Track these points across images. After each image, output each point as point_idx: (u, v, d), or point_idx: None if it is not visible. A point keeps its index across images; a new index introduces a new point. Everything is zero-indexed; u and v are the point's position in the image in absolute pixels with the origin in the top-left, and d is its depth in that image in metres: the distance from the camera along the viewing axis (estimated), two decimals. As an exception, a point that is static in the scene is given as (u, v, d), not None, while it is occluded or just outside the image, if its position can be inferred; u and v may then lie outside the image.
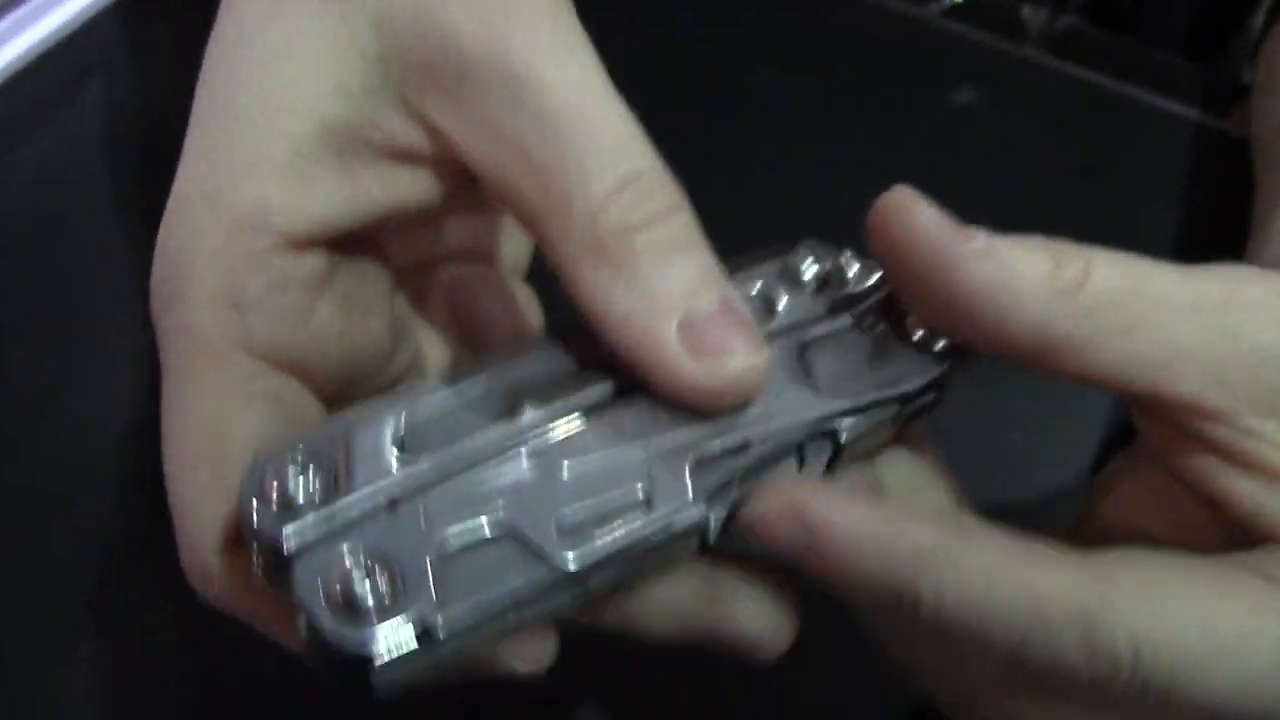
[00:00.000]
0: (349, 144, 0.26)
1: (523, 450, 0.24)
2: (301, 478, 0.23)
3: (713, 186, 0.43)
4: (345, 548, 0.22)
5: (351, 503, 0.23)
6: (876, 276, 0.27)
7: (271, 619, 0.25)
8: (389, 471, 0.23)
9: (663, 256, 0.24)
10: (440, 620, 0.22)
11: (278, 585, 0.23)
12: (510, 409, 0.24)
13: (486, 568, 0.23)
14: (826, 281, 0.27)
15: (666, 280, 0.24)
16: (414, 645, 0.22)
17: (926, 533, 0.24)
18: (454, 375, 0.25)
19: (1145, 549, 0.26)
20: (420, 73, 0.26)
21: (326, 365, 0.27)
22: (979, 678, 0.27)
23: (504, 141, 0.25)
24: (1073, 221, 0.44)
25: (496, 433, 0.24)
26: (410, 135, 0.26)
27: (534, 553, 0.23)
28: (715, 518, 0.24)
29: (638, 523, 0.24)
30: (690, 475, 0.24)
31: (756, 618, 0.26)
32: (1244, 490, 0.26)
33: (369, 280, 0.28)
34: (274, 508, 0.23)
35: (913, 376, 0.26)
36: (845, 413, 0.26)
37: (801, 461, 0.26)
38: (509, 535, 0.23)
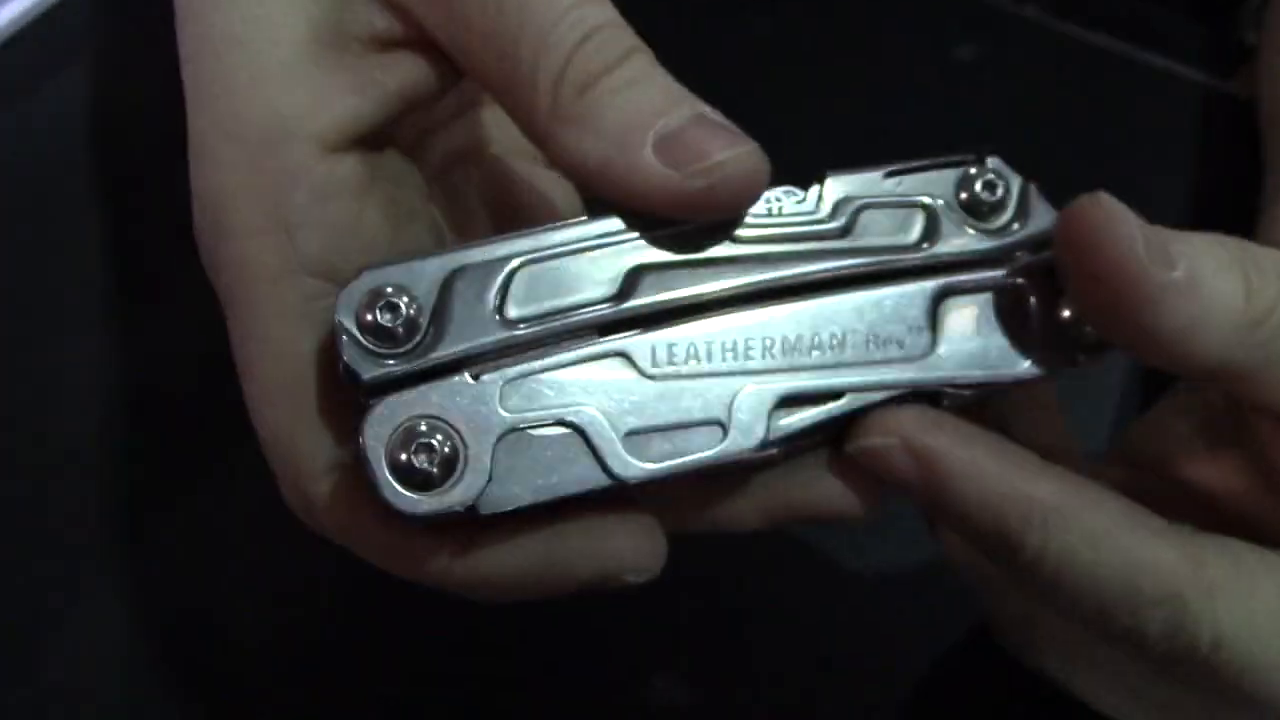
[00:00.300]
0: (339, 39, 0.26)
1: (618, 342, 0.24)
2: (398, 310, 0.23)
3: None
4: (419, 407, 0.23)
5: (437, 362, 0.23)
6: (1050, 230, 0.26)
7: (376, 546, 0.25)
8: (481, 329, 0.24)
9: (624, 94, 0.24)
10: (483, 503, 0.23)
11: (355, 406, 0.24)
12: (626, 284, 0.24)
13: (547, 458, 0.24)
14: (999, 209, 0.26)
15: (630, 112, 0.24)
16: (459, 513, 0.23)
17: (1045, 488, 0.24)
18: (578, 225, 0.25)
19: (1243, 543, 0.26)
20: None
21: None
22: (1053, 623, 0.28)
23: (468, 20, 0.25)
24: (1073, 181, 0.44)
25: (602, 314, 0.24)
26: (387, 23, 0.26)
27: (596, 456, 0.24)
28: (783, 452, 0.25)
29: (704, 451, 0.24)
30: (770, 414, 0.24)
31: (838, 494, 0.26)
32: None
33: (408, 184, 0.28)
34: (363, 336, 0.23)
35: (1043, 362, 0.26)
36: (956, 385, 0.26)
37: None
38: (578, 432, 0.24)
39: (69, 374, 0.39)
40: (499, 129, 0.32)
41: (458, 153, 0.31)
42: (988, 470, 0.24)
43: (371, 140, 0.27)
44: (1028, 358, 0.26)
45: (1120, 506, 0.24)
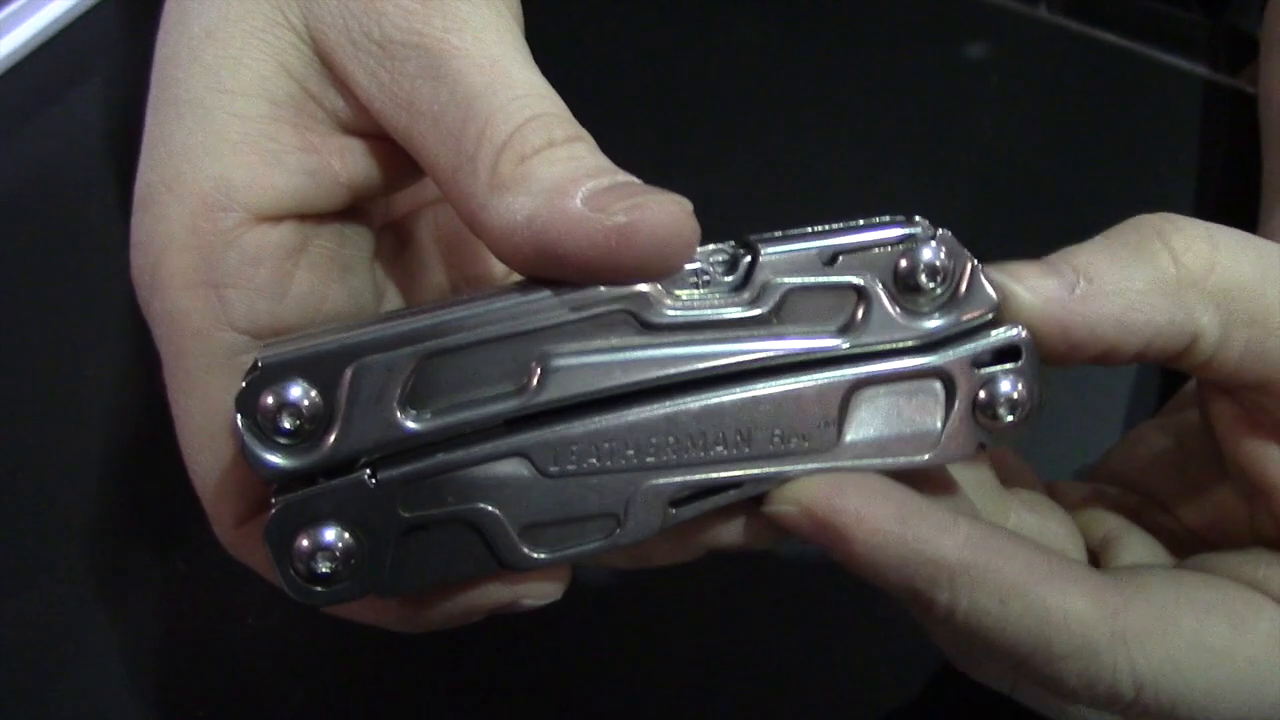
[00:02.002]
0: (301, 119, 0.27)
1: (519, 442, 0.24)
2: (295, 404, 0.23)
3: (726, 139, 0.42)
4: (318, 509, 0.24)
5: (338, 457, 0.24)
6: (995, 332, 0.25)
7: None
8: (384, 425, 0.24)
9: (561, 161, 0.24)
10: (384, 591, 0.24)
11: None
12: (534, 373, 0.24)
13: (444, 552, 0.24)
14: (937, 291, 0.25)
15: (563, 172, 0.24)
16: (361, 597, 0.24)
17: (950, 547, 0.24)
18: (482, 306, 0.24)
19: (1164, 572, 0.26)
20: (345, 49, 0.26)
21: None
22: (990, 667, 0.28)
23: (420, 110, 0.25)
24: (1085, 176, 0.44)
25: (506, 408, 0.24)
26: (348, 111, 0.27)
27: (491, 550, 0.25)
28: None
29: (595, 544, 0.25)
30: (665, 509, 0.25)
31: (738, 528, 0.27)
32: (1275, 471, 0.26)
33: (348, 241, 0.28)
34: (262, 429, 0.23)
35: (946, 452, 0.26)
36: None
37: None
38: (475, 529, 0.24)
39: (79, 391, 0.39)
40: None
41: (420, 201, 0.32)
42: (891, 534, 0.24)
43: (314, 216, 0.27)
44: (931, 447, 0.26)
45: (1030, 557, 0.25)
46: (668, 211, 0.23)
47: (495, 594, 0.26)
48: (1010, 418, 0.25)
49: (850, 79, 0.47)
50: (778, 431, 0.25)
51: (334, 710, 0.35)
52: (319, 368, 0.23)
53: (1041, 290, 0.25)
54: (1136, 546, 0.29)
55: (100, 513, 0.37)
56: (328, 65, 0.26)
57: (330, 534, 0.24)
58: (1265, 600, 0.26)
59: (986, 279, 0.25)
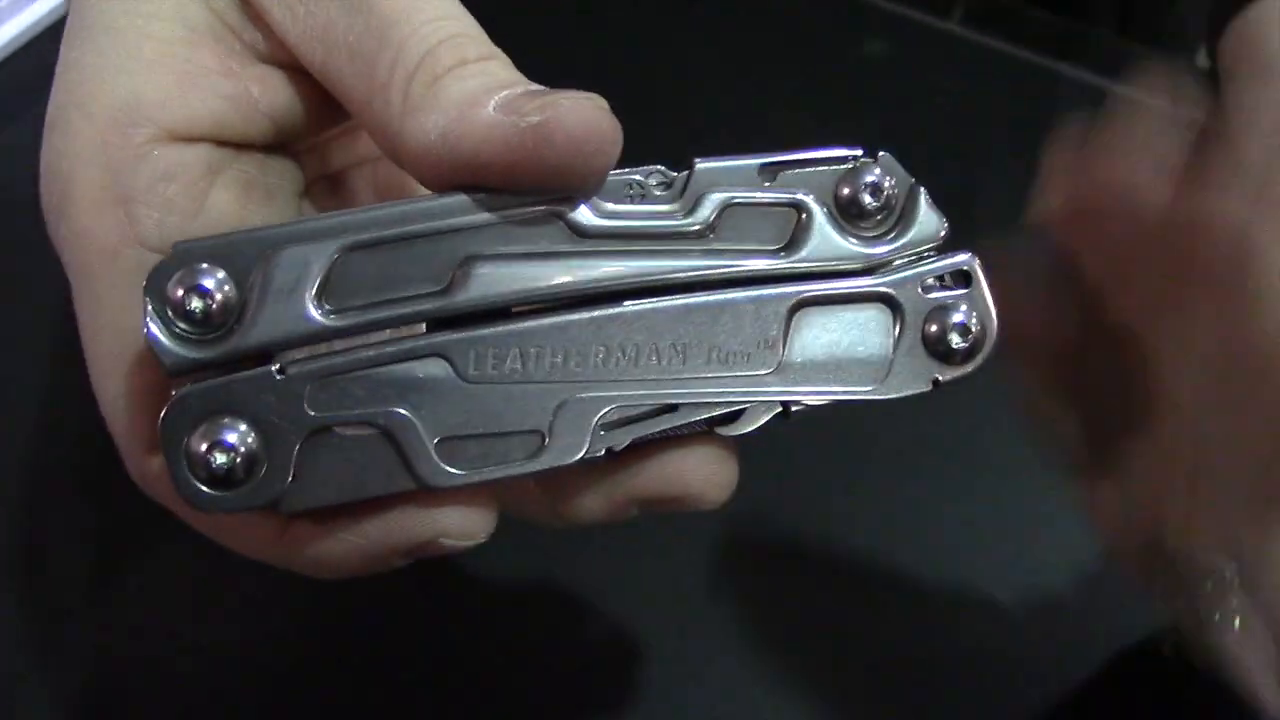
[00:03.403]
0: (219, 46, 0.26)
1: (437, 340, 0.23)
2: (206, 293, 0.22)
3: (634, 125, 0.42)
4: (220, 401, 0.22)
5: (245, 349, 0.22)
6: (938, 260, 0.24)
7: (200, 522, 0.25)
8: (296, 318, 0.22)
9: (472, 77, 0.23)
10: (285, 503, 0.22)
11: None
12: (458, 275, 0.23)
13: (354, 460, 0.23)
14: (880, 213, 0.24)
15: (473, 84, 0.23)
16: (260, 508, 0.22)
17: None
18: (414, 203, 0.23)
19: None
20: None
21: None
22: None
23: (335, 42, 0.25)
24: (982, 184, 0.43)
25: (426, 308, 0.23)
26: (264, 43, 0.26)
27: (405, 461, 0.23)
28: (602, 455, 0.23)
29: (518, 462, 0.23)
30: (593, 429, 0.23)
31: (694, 472, 0.25)
32: None
33: (271, 170, 0.27)
34: (171, 317, 0.22)
35: (897, 384, 0.24)
36: (798, 403, 0.24)
37: (734, 417, 0.24)
38: (387, 435, 0.23)
39: (47, 400, 0.39)
40: None
41: (357, 158, 0.31)
42: None
43: (233, 143, 0.26)
44: (881, 377, 0.24)
45: None
46: (582, 108, 0.22)
47: (410, 524, 0.24)
48: (963, 347, 0.24)
49: (752, 81, 0.47)
50: (715, 350, 0.24)
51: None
52: (233, 255, 0.22)
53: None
54: None
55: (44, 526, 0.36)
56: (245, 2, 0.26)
57: (230, 431, 0.22)
58: None
59: (929, 203, 0.24)
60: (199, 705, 0.34)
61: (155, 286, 0.22)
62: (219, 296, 0.22)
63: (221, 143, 0.26)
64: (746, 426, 0.24)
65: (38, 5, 0.47)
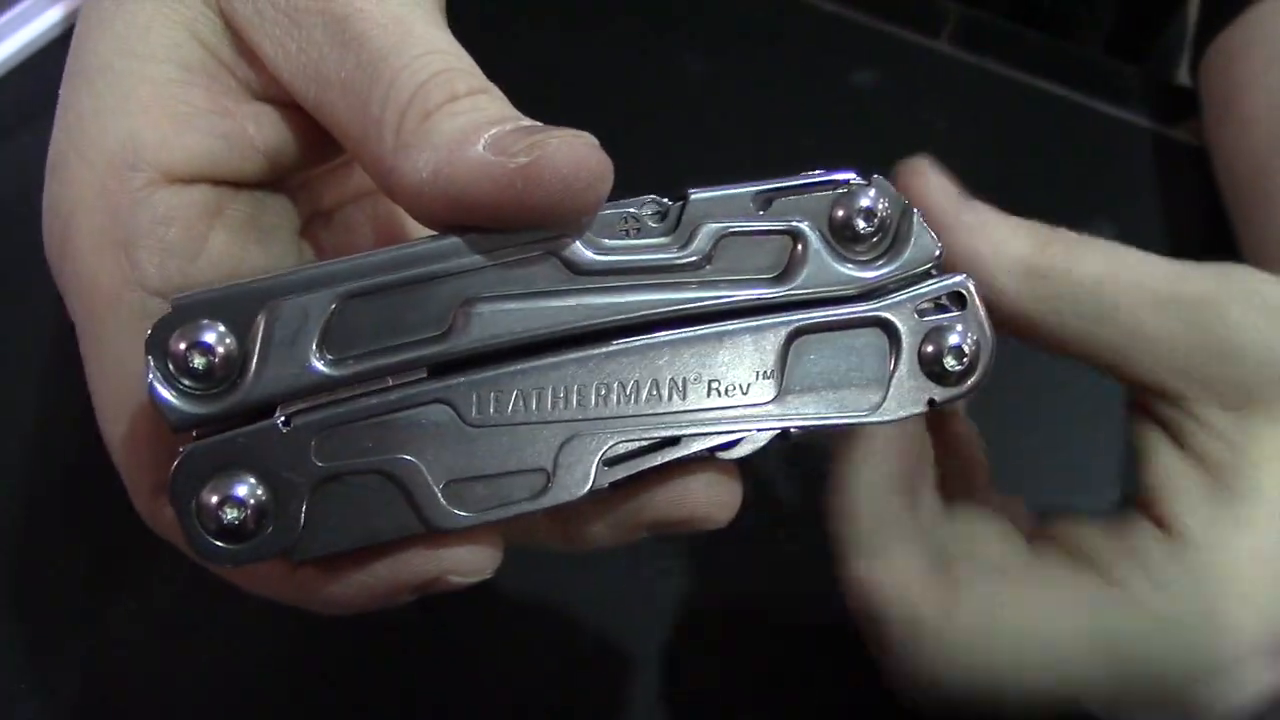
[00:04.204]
0: (214, 85, 0.26)
1: (440, 386, 0.23)
2: (209, 347, 0.22)
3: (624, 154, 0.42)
4: (228, 456, 0.22)
5: (251, 403, 0.22)
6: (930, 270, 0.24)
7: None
8: (300, 369, 0.22)
9: (463, 114, 0.23)
10: (296, 551, 0.23)
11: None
12: (457, 319, 0.23)
13: (363, 507, 0.23)
14: (875, 237, 0.24)
15: (463, 120, 0.23)
16: (273, 558, 0.23)
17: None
18: (411, 248, 0.23)
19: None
20: (251, 19, 0.26)
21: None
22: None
23: (328, 78, 0.25)
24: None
25: (428, 354, 0.23)
26: (258, 79, 0.26)
27: (413, 506, 0.23)
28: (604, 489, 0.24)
29: (525, 501, 0.23)
30: (597, 466, 0.23)
31: (700, 494, 0.25)
32: (1164, 464, 0.27)
33: (268, 209, 0.27)
34: (174, 373, 0.22)
35: (894, 406, 0.24)
36: (799, 426, 0.24)
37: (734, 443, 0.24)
38: (395, 481, 0.23)
39: (39, 421, 0.38)
40: None
41: (354, 193, 0.31)
42: None
43: (230, 183, 0.26)
44: (878, 401, 0.24)
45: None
46: (571, 146, 0.22)
47: (418, 563, 0.24)
48: (958, 368, 0.24)
49: (743, 101, 0.47)
50: (715, 383, 0.24)
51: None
52: (233, 309, 0.22)
53: (946, 194, 0.28)
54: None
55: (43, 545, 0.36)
56: (236, 35, 0.26)
57: (239, 485, 0.22)
58: (1084, 573, 0.27)
59: (923, 225, 0.24)
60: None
61: (157, 343, 0.22)
62: (221, 351, 0.22)
63: (219, 182, 0.26)
64: (746, 450, 0.24)
65: (39, 22, 0.47)
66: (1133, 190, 0.45)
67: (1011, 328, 0.27)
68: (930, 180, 0.28)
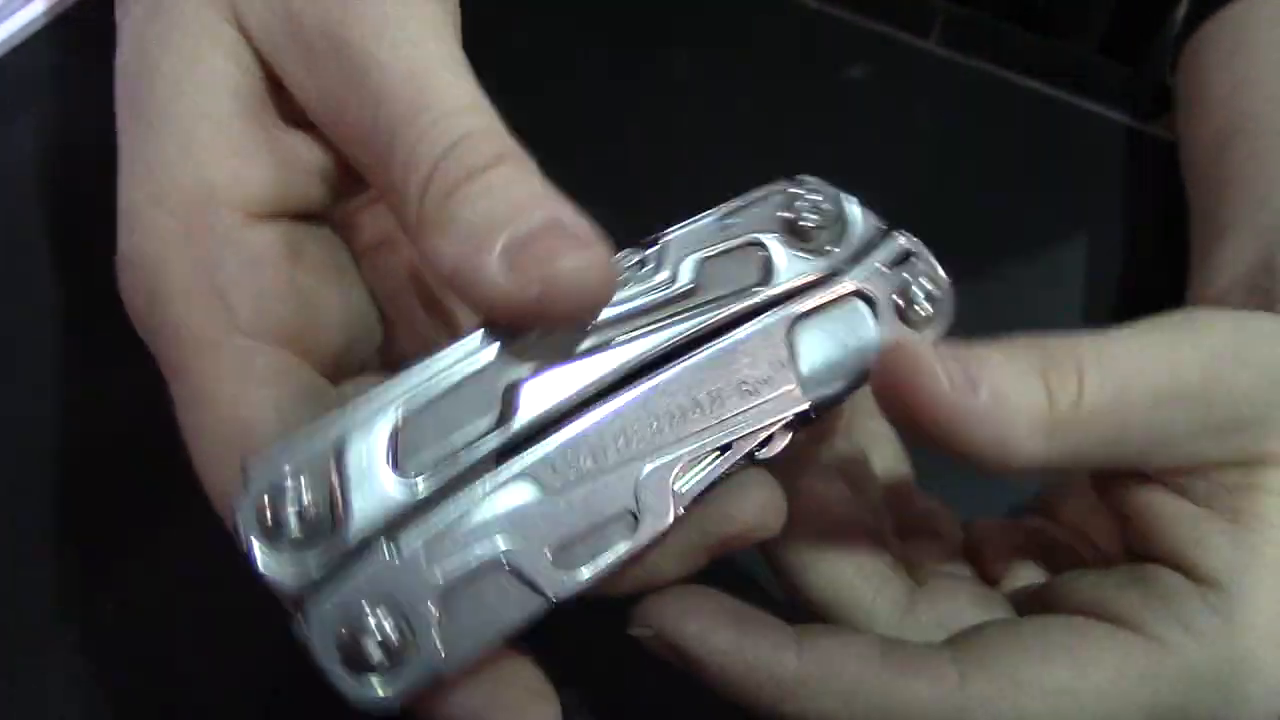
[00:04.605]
0: (264, 111, 0.27)
1: (516, 468, 0.24)
2: (297, 503, 0.23)
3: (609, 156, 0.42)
4: (352, 599, 0.23)
5: (352, 543, 0.23)
6: (882, 244, 0.28)
7: None
8: (386, 497, 0.24)
9: (483, 198, 0.24)
10: (446, 666, 0.23)
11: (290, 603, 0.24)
12: (505, 403, 0.25)
13: (486, 601, 0.24)
14: (824, 227, 0.28)
15: (484, 215, 0.24)
16: (423, 688, 0.23)
17: (790, 664, 0.25)
18: (438, 359, 0.25)
19: (1003, 625, 0.27)
20: (273, 47, 0.26)
21: (316, 336, 0.27)
22: None
23: (349, 120, 0.25)
24: (969, 203, 0.43)
25: (492, 444, 0.24)
26: (290, 106, 0.27)
27: (530, 584, 0.24)
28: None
29: (624, 543, 0.25)
30: (671, 489, 0.25)
31: (748, 503, 0.26)
32: (1185, 519, 0.27)
33: (338, 250, 0.28)
34: (270, 542, 0.23)
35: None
36: (823, 402, 0.27)
37: (767, 440, 0.26)
38: (506, 567, 0.24)
39: (31, 414, 0.37)
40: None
41: (384, 234, 0.31)
42: (735, 655, 0.25)
43: (300, 214, 0.27)
44: (877, 350, 0.27)
45: (866, 654, 0.26)
46: (581, 273, 0.23)
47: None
48: (931, 308, 0.27)
49: (737, 101, 0.46)
50: (743, 384, 0.26)
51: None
52: (307, 456, 0.23)
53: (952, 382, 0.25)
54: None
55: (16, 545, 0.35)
56: (264, 63, 0.27)
57: (373, 621, 0.23)
58: (1108, 628, 0.26)
59: (852, 202, 0.28)
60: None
61: (246, 515, 0.23)
62: (309, 506, 0.23)
63: (294, 215, 0.27)
64: (780, 445, 0.26)
65: (35, 4, 0.46)
66: (1124, 189, 0.45)
67: (1039, 473, 0.27)
68: (923, 370, 0.24)
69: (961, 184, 0.45)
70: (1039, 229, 0.43)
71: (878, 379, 0.25)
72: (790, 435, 0.26)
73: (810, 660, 0.25)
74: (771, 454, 0.26)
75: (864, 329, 0.27)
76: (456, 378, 0.24)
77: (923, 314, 0.27)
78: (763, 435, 0.26)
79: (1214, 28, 0.42)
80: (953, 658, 0.26)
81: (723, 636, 0.25)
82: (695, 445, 0.25)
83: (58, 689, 0.33)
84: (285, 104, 0.27)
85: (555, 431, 0.25)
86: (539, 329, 0.25)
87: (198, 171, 0.26)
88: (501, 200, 0.24)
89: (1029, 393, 0.25)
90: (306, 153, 0.27)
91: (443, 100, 0.25)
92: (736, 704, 0.26)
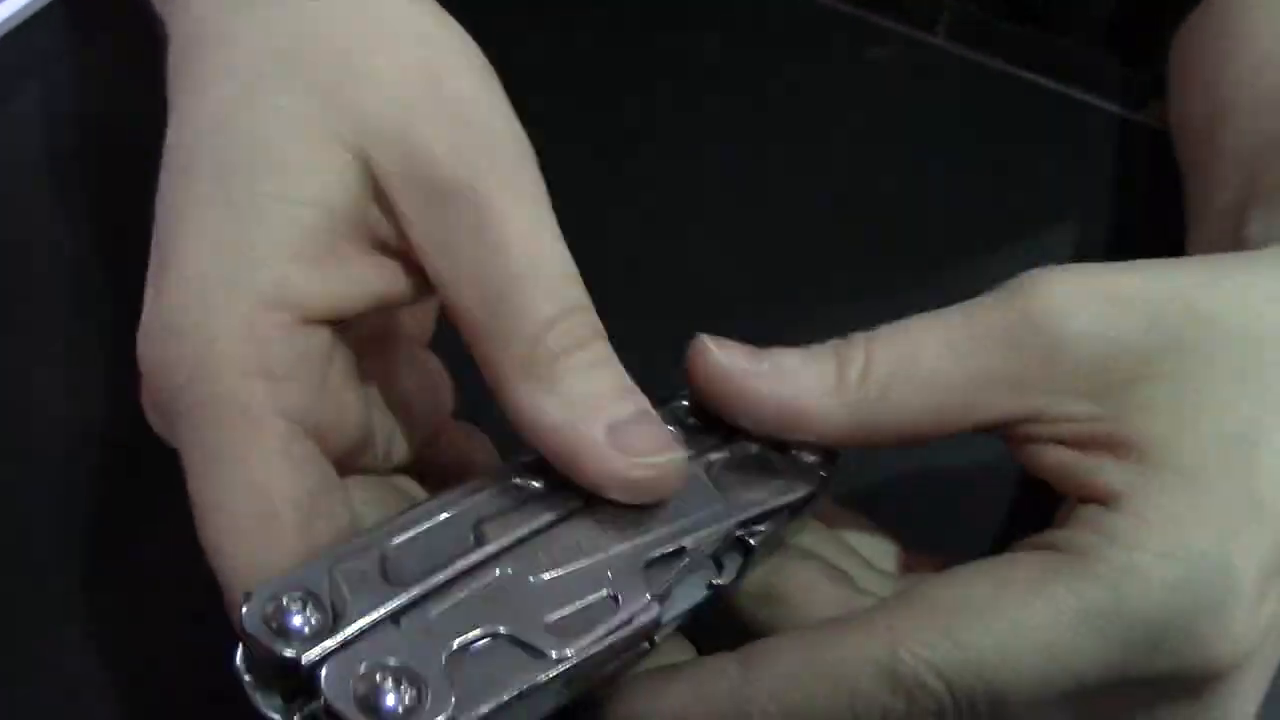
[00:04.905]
0: (355, 234, 0.28)
1: (497, 569, 0.26)
2: (301, 613, 0.24)
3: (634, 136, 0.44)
4: (364, 659, 0.24)
5: (361, 622, 0.25)
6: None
7: None
8: (385, 595, 0.25)
9: (587, 373, 0.27)
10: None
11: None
12: (475, 537, 0.27)
13: (493, 669, 0.25)
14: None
15: (590, 392, 0.27)
16: None
17: (730, 672, 0.27)
18: (412, 511, 0.27)
19: (942, 573, 0.27)
20: (397, 181, 0.28)
21: (336, 433, 0.29)
22: None
23: (462, 262, 0.28)
24: (976, 194, 0.45)
25: (469, 559, 0.26)
26: (389, 234, 0.29)
27: (532, 652, 0.25)
28: (663, 618, 0.27)
29: (612, 619, 0.26)
30: (640, 577, 0.27)
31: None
32: (1057, 461, 0.28)
33: (349, 356, 0.30)
34: (275, 637, 0.24)
35: (801, 484, 0.30)
36: (755, 519, 0.29)
37: (720, 567, 0.29)
38: (506, 639, 0.25)
39: (34, 394, 0.39)
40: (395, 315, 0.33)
41: (372, 336, 0.33)
42: (678, 696, 0.27)
43: (342, 320, 0.29)
44: (791, 483, 0.30)
45: (809, 632, 0.27)
46: (669, 472, 0.27)
47: None
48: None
49: (739, 91, 0.48)
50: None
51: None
52: (303, 580, 0.25)
53: (737, 368, 0.29)
54: None
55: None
56: (379, 193, 0.28)
57: (386, 671, 0.24)
58: (1063, 559, 0.26)
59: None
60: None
61: (256, 624, 0.24)
62: (310, 614, 0.25)
63: (334, 323, 0.28)
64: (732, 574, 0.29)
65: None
66: (1114, 178, 0.46)
67: (857, 442, 0.29)
68: (711, 354, 0.29)
69: (951, 173, 0.46)
70: (1029, 217, 0.45)
71: (690, 371, 0.29)
72: (739, 562, 0.29)
73: (749, 660, 0.27)
74: (727, 578, 0.28)
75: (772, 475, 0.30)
76: (432, 522, 0.27)
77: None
78: (710, 547, 0.28)
79: (1202, 14, 0.43)
80: (881, 606, 0.27)
81: (671, 689, 0.27)
82: (655, 546, 0.27)
83: (54, 687, 0.33)
84: (374, 233, 0.29)
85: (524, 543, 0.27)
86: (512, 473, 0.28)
87: (279, 272, 0.27)
88: (603, 379, 0.27)
89: (817, 362, 0.28)
90: (376, 278, 0.29)
91: (556, 263, 0.28)
92: None
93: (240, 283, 0.27)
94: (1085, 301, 0.28)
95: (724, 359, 0.29)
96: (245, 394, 0.27)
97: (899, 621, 0.26)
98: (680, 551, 0.28)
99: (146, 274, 0.29)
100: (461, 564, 0.26)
